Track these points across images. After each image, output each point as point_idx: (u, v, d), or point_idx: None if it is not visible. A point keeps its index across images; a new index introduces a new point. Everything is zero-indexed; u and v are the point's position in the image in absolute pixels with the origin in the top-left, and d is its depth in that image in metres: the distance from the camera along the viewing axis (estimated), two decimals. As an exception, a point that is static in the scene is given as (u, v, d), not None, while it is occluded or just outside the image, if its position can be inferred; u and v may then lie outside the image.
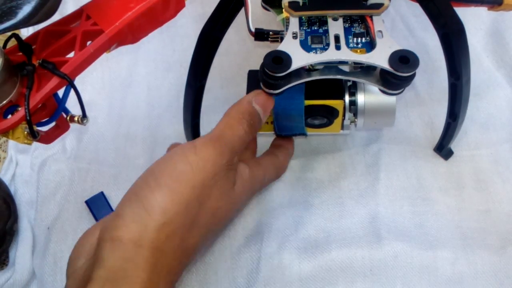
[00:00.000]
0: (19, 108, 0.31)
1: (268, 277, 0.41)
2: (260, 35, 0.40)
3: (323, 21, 0.37)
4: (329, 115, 0.40)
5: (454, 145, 0.46)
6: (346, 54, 0.35)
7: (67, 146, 0.50)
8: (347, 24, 0.37)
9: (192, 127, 0.43)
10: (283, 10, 0.37)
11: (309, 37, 0.37)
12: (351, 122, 0.41)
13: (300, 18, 0.37)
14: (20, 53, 0.33)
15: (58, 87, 0.32)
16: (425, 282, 0.40)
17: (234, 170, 0.37)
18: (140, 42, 0.36)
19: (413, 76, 0.34)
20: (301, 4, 0.37)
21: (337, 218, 0.43)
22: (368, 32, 0.36)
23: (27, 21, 0.30)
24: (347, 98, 0.40)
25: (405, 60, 0.33)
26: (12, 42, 0.33)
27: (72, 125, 0.36)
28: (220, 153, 0.35)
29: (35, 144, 0.46)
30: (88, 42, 0.33)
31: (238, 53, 0.54)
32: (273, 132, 0.43)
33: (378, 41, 0.35)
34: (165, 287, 0.32)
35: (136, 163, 0.49)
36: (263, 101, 0.38)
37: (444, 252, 0.41)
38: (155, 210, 0.32)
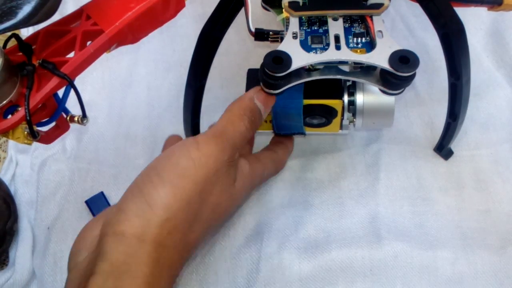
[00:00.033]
0: (19, 108, 0.31)
1: (268, 277, 0.41)
2: (260, 35, 0.40)
3: (323, 21, 0.37)
4: (328, 114, 0.40)
5: (454, 145, 0.46)
6: (346, 54, 0.35)
7: (67, 146, 0.50)
8: (347, 24, 0.37)
9: (192, 127, 0.43)
10: (283, 10, 0.37)
11: (309, 37, 0.37)
12: (350, 122, 0.41)
13: (300, 18, 0.37)
14: (20, 53, 0.33)
15: (58, 87, 0.32)
16: (425, 282, 0.40)
17: (235, 166, 0.37)
18: (140, 42, 0.36)
19: (413, 76, 0.34)
20: (301, 4, 0.37)
21: (337, 218, 0.43)
22: (368, 32, 0.36)
23: (27, 21, 0.30)
24: (345, 98, 0.40)
25: (405, 60, 0.33)
26: (12, 42, 0.33)
27: (72, 125, 0.36)
28: (222, 149, 0.35)
29: (35, 144, 0.46)
30: (88, 42, 0.33)
31: (238, 53, 0.54)
32: (272, 131, 0.43)
33: (378, 41, 0.35)
34: (167, 281, 0.33)
35: (136, 163, 0.49)
36: (264, 97, 0.38)
37: (444, 252, 0.41)
38: (158, 206, 0.32)
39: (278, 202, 0.45)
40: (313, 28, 0.37)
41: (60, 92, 0.33)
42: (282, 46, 0.35)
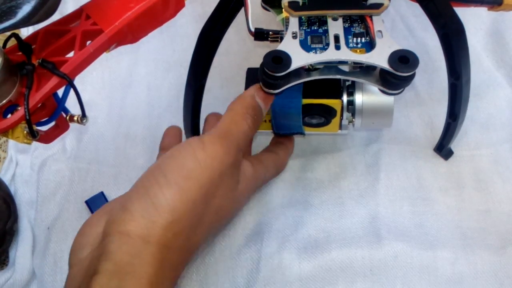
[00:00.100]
0: (19, 108, 0.31)
1: (268, 277, 0.41)
2: (260, 35, 0.40)
3: (322, 21, 0.37)
4: (327, 114, 0.40)
5: (454, 145, 0.46)
6: (345, 54, 0.35)
7: (67, 146, 0.50)
8: (346, 24, 0.37)
9: (192, 127, 0.44)
10: (283, 10, 0.37)
11: (308, 37, 0.37)
12: (349, 122, 0.41)
13: (300, 18, 0.37)
14: (20, 53, 0.33)
15: (58, 86, 0.32)
16: (425, 282, 0.40)
17: (238, 169, 0.37)
18: (140, 42, 0.36)
19: (413, 76, 0.34)
20: (300, 4, 0.37)
21: (337, 218, 0.43)
22: (367, 32, 0.36)
23: (27, 21, 0.30)
24: (345, 97, 0.40)
25: (405, 60, 0.33)
26: (12, 42, 0.33)
27: (72, 125, 0.36)
28: (227, 151, 0.35)
29: (35, 144, 0.46)
30: (88, 42, 0.33)
31: (238, 53, 0.54)
32: (271, 130, 0.43)
33: (378, 41, 0.35)
34: (170, 282, 0.33)
35: (136, 163, 0.49)
36: (264, 95, 0.38)
37: (444, 252, 0.41)
38: (164, 208, 0.32)
39: (278, 202, 0.45)
40: (312, 28, 0.37)
41: (60, 92, 0.33)
42: (281, 46, 0.35)
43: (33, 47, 0.33)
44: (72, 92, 0.33)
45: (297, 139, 0.47)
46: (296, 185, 0.46)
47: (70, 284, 0.32)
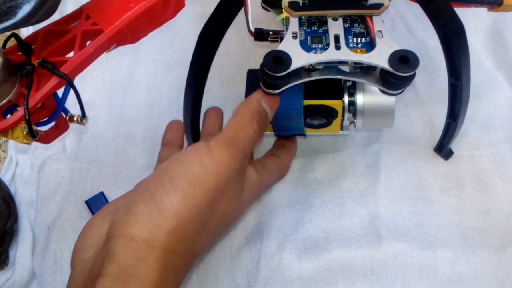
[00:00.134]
0: (19, 108, 0.31)
1: (268, 277, 0.41)
2: (260, 35, 0.40)
3: (323, 21, 0.37)
4: (328, 115, 0.40)
5: (454, 145, 0.46)
6: (346, 54, 0.35)
7: (67, 146, 0.50)
8: (347, 24, 0.37)
9: (192, 127, 0.43)
10: (283, 10, 0.37)
11: (309, 37, 0.37)
12: (350, 122, 0.41)
13: (300, 18, 0.37)
14: (20, 53, 0.33)
15: (58, 86, 0.32)
16: (425, 282, 0.40)
17: (244, 175, 0.37)
18: (140, 42, 0.36)
19: (413, 76, 0.34)
20: (301, 4, 0.37)
21: (337, 218, 0.43)
22: (368, 32, 0.36)
23: (26, 21, 0.30)
24: (346, 98, 0.40)
25: (405, 60, 0.33)
26: (12, 42, 0.33)
27: (72, 125, 0.36)
28: (233, 157, 0.35)
29: (35, 144, 0.46)
30: (88, 42, 0.33)
31: (238, 53, 0.54)
32: (272, 132, 0.43)
33: (378, 41, 0.35)
34: (173, 286, 0.33)
35: (136, 163, 0.49)
36: (269, 99, 0.38)
37: (444, 252, 0.41)
38: (169, 213, 0.32)
39: (278, 202, 0.45)
40: (313, 28, 0.37)
41: (60, 92, 0.33)
42: (282, 46, 0.35)
43: (33, 47, 0.33)
44: (72, 92, 0.33)
45: (297, 139, 0.47)
46: (296, 185, 0.46)
47: (73, 286, 0.32)
